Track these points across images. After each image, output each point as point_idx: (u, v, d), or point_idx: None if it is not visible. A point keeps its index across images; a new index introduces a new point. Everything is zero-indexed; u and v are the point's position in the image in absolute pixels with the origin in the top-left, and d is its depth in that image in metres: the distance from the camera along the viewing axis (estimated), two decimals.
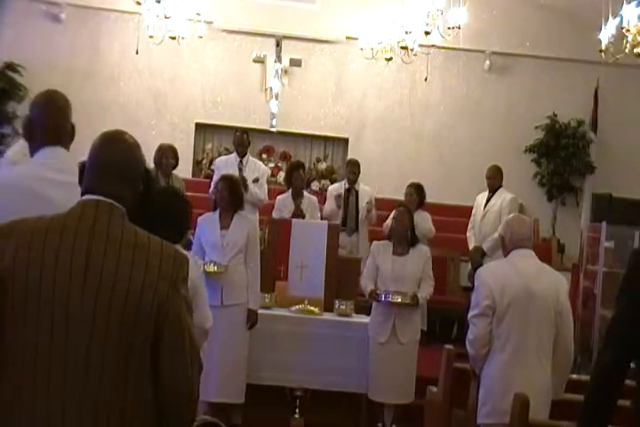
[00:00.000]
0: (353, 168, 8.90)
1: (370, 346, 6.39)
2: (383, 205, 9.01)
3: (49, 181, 2.95)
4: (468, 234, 8.74)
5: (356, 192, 8.72)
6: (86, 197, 2.21)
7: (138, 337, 2.11)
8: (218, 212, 6.34)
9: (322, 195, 9.65)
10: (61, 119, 3.06)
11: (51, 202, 2.81)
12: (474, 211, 8.79)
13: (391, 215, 6.74)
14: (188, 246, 4.50)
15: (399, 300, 6.25)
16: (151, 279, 2.11)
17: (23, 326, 2.08)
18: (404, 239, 6.48)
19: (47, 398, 2.06)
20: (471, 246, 8.60)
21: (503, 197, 8.55)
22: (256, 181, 8.14)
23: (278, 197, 8.30)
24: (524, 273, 4.41)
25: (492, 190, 8.65)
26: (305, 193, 8.39)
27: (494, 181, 8.65)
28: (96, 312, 2.08)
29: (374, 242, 6.94)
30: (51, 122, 3.03)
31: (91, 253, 2.11)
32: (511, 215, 5.04)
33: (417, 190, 8.37)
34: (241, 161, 8.34)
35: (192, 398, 2.19)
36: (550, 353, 4.37)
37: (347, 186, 8.81)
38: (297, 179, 8.22)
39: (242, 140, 8.47)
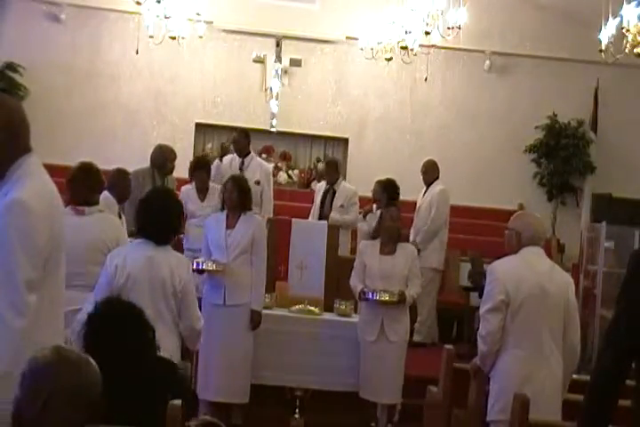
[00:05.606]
0: (328, 169, 8.86)
1: (360, 345, 6.39)
2: None
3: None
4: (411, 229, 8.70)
5: (334, 192, 8.56)
6: None
7: None
8: (225, 212, 6.31)
9: None
10: None
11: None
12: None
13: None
14: (176, 247, 4.50)
15: (386, 298, 6.24)
16: None
17: None
18: (388, 239, 6.47)
19: None
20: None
21: (434, 190, 8.57)
22: (257, 183, 8.00)
23: (182, 187, 7.89)
24: (538, 271, 4.38)
25: (427, 184, 8.67)
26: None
27: (427, 175, 8.70)
28: None
29: (362, 241, 6.96)
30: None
31: None
32: (522, 212, 4.96)
33: (382, 187, 8.16)
34: (242, 161, 8.29)
35: None
36: (561, 351, 4.36)
37: (327, 185, 8.71)
38: (199, 180, 7.77)
39: (237, 138, 8.44)
